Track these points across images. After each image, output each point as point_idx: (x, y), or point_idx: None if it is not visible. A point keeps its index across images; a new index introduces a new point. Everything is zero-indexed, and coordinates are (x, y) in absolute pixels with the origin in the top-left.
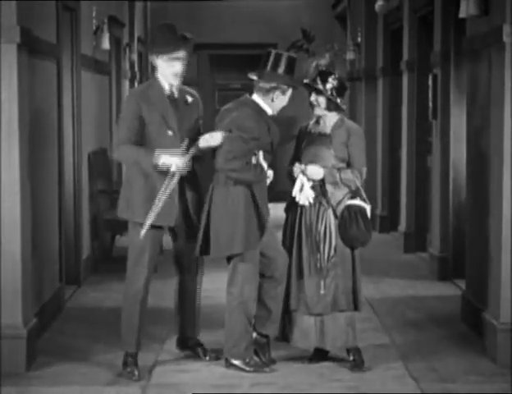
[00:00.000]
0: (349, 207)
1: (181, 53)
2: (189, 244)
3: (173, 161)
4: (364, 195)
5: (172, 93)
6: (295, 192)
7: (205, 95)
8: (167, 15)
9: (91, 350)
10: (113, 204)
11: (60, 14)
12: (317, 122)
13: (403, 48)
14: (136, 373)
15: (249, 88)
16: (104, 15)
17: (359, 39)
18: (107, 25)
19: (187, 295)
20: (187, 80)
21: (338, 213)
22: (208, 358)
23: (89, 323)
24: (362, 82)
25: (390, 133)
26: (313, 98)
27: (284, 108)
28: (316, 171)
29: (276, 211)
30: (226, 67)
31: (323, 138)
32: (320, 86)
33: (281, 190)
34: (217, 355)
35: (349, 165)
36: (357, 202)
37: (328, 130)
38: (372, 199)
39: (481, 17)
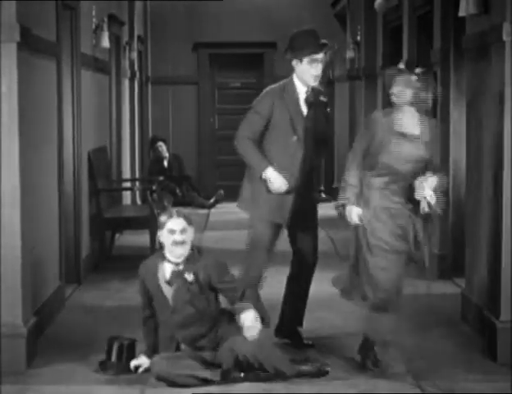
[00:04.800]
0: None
1: (321, 56)
2: (304, 237)
3: (277, 183)
4: None
5: (308, 96)
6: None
7: (205, 94)
8: (167, 13)
9: (91, 349)
10: (113, 203)
11: (60, 12)
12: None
13: (402, 47)
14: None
15: (249, 86)
16: (104, 13)
17: (359, 38)
18: (107, 24)
19: (301, 286)
20: (187, 78)
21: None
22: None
23: (89, 322)
24: (361, 80)
25: None
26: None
27: None
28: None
29: None
30: (225, 66)
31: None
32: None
33: None
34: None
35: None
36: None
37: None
38: None
39: (480, 16)
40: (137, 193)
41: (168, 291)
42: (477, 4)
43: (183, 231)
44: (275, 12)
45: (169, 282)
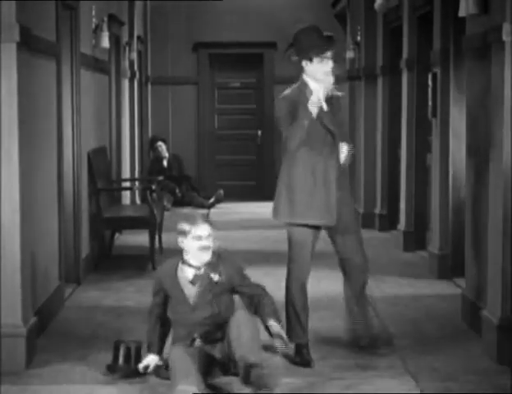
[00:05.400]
0: None
1: (330, 52)
2: (348, 236)
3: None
4: None
5: (327, 94)
6: None
7: (205, 94)
8: (167, 13)
9: (91, 349)
10: (113, 203)
11: (59, 12)
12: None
13: (402, 47)
14: (312, 360)
15: (249, 86)
16: (104, 13)
17: (359, 38)
18: (107, 24)
19: (355, 288)
20: (187, 78)
21: None
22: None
23: (89, 322)
24: (361, 81)
25: (390, 131)
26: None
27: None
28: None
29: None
30: (225, 66)
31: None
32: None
33: None
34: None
35: None
36: None
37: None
38: (371, 198)
39: (480, 16)
40: (137, 193)
41: (189, 291)
42: (477, 4)
43: (208, 236)
44: (275, 12)
45: (192, 282)
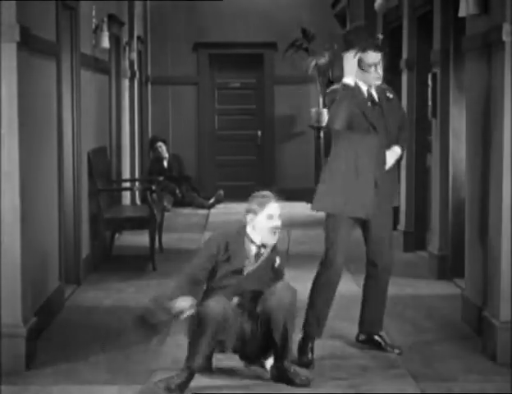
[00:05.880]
0: None
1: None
2: (380, 234)
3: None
4: None
5: (370, 93)
6: None
7: (205, 94)
8: (167, 13)
9: (91, 350)
10: (113, 203)
11: (59, 12)
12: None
13: (402, 47)
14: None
15: (249, 87)
16: (104, 13)
17: None
18: (107, 24)
19: (379, 288)
20: (187, 78)
21: None
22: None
23: (89, 322)
24: None
25: None
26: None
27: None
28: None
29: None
30: (225, 66)
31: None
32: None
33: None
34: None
35: None
36: None
37: None
38: None
39: (480, 16)
40: (137, 193)
41: (248, 264)
42: (477, 4)
43: (279, 216)
44: (275, 12)
45: (256, 257)
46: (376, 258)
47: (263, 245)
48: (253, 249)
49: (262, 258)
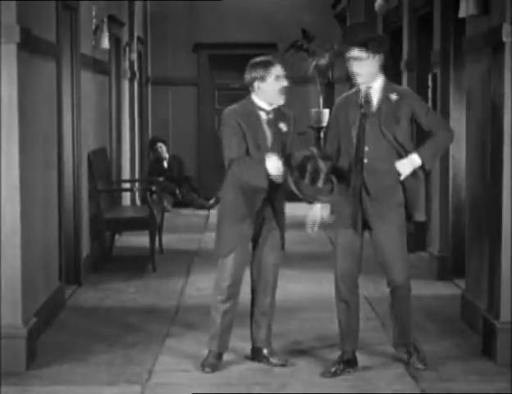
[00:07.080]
0: None
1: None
2: (387, 252)
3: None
4: None
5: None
6: None
7: (205, 95)
8: (167, 14)
9: (91, 350)
10: (113, 204)
11: (60, 13)
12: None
13: (402, 48)
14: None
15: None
16: (104, 14)
17: None
18: (107, 25)
19: (400, 304)
20: (187, 79)
21: None
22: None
23: (89, 323)
24: None
25: None
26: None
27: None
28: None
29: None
30: (225, 67)
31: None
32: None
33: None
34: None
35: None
36: None
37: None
38: None
39: (480, 17)
40: (137, 194)
41: (266, 132)
42: (477, 5)
43: (284, 76)
44: (275, 13)
45: (268, 123)
46: (388, 277)
47: (268, 112)
48: (264, 116)
49: (275, 126)
